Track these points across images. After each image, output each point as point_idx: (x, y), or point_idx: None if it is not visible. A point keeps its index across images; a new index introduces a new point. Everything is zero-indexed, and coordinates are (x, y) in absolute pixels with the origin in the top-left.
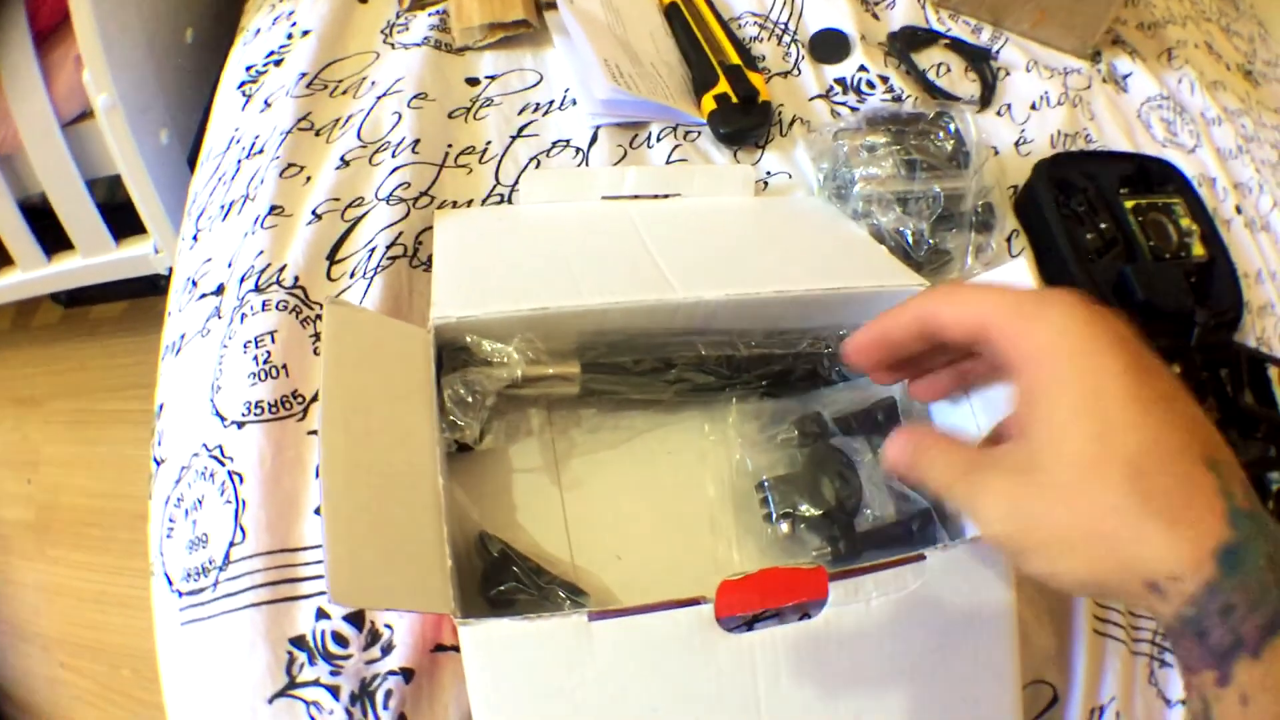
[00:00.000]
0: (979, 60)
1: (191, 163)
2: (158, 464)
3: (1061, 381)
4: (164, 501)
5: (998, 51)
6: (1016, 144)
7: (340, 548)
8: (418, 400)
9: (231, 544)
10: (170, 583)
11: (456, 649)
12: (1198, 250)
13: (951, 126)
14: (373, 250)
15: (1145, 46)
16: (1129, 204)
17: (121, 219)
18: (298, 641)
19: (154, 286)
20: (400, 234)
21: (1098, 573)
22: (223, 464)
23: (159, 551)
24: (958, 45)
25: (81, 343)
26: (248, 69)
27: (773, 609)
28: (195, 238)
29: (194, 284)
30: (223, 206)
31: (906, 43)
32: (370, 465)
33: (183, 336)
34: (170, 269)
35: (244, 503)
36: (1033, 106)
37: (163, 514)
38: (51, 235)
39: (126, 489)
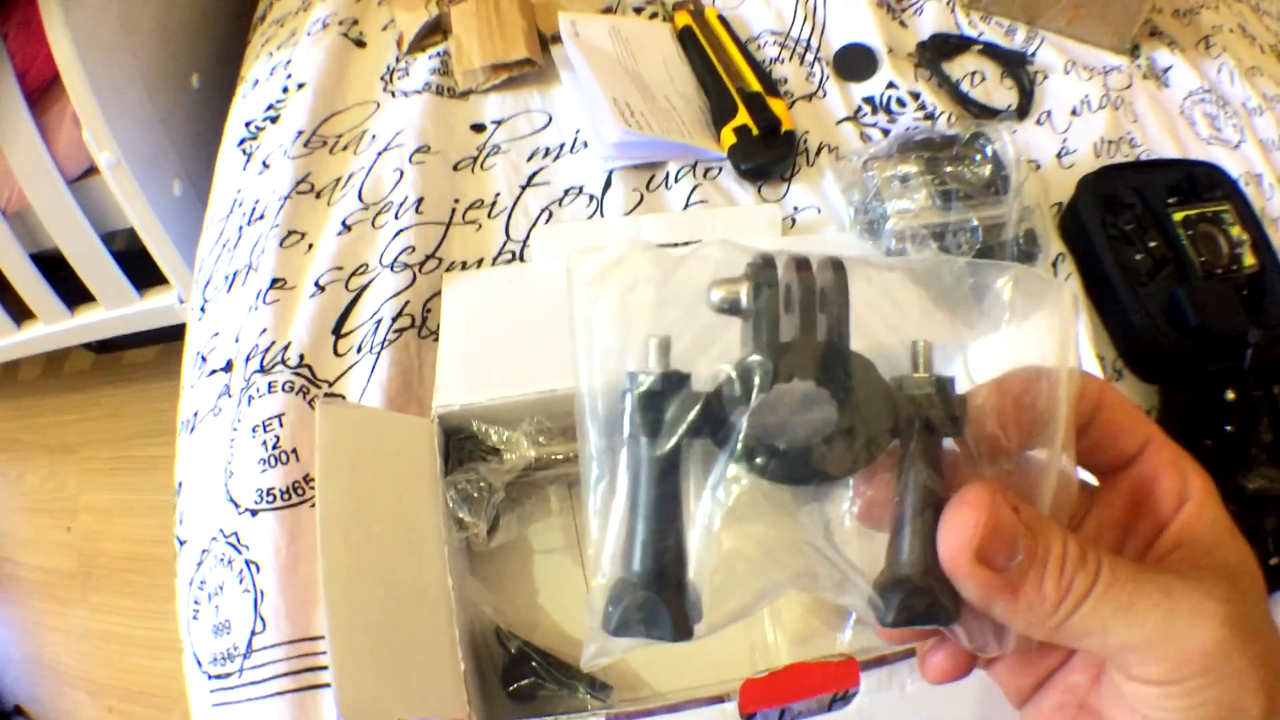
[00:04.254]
0: (1015, 65)
1: None
2: (180, 544)
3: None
4: (188, 583)
5: (1034, 54)
6: (1059, 155)
7: (346, 664)
8: (423, 496)
9: (253, 633)
10: (199, 663)
11: None
12: (1249, 260)
13: (988, 149)
14: (379, 322)
15: (1183, 35)
16: (1178, 216)
17: (146, 268)
18: None
19: (185, 330)
20: (407, 303)
21: None
22: (239, 552)
23: (187, 631)
24: (991, 50)
25: (115, 389)
26: (247, 124)
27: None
28: (203, 309)
29: (204, 359)
30: (227, 277)
31: (937, 52)
32: (375, 572)
33: (196, 414)
34: None
35: (262, 592)
36: (1073, 112)
37: (188, 595)
38: (75, 286)
39: (167, 534)
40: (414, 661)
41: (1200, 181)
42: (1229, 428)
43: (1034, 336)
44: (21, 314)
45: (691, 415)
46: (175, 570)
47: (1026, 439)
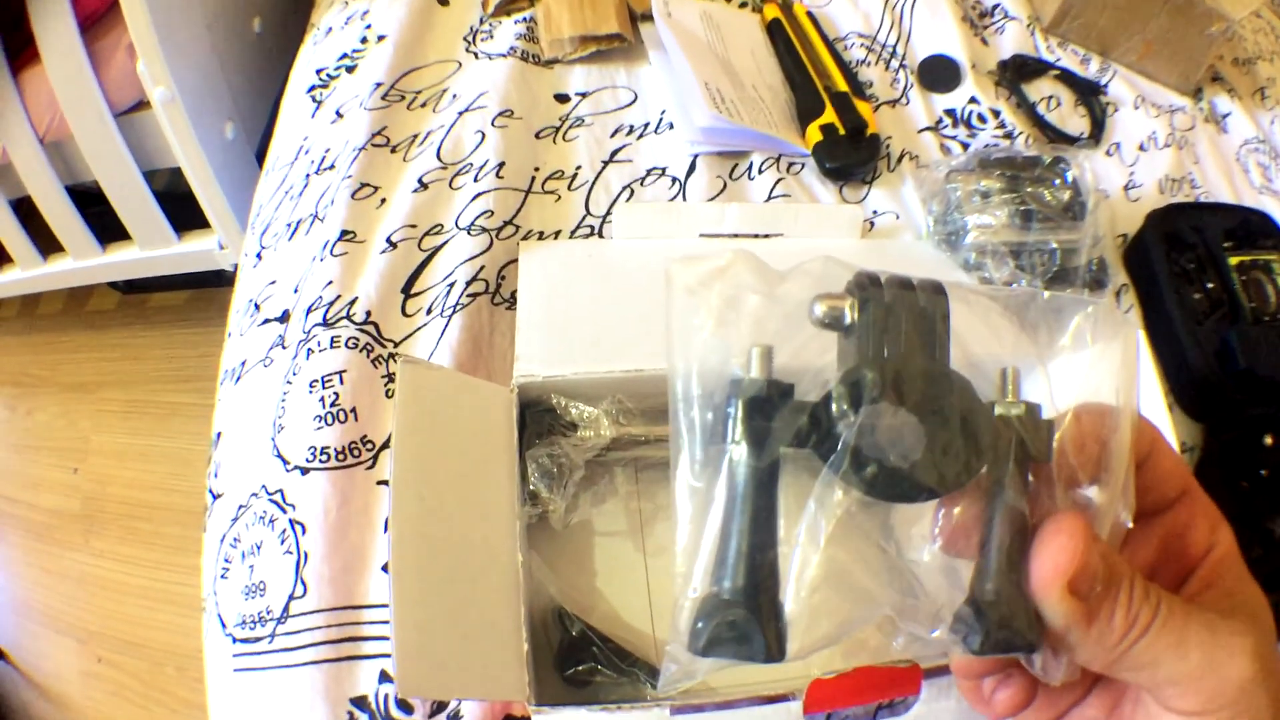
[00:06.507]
0: (1088, 94)
1: (261, 157)
2: (214, 497)
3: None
4: (219, 539)
5: (1106, 85)
6: (1126, 188)
7: (409, 636)
8: (498, 467)
9: (291, 597)
10: (224, 625)
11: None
12: None
13: (1068, 174)
14: (452, 285)
15: (1241, 84)
16: (1233, 260)
17: (186, 209)
18: (359, 702)
19: (219, 277)
20: (482, 268)
21: None
22: (284, 511)
23: (212, 590)
24: (1067, 77)
25: (139, 331)
26: (318, 72)
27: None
28: (259, 255)
29: (257, 307)
30: (289, 225)
31: (1017, 72)
32: (444, 542)
33: (243, 364)
34: (235, 265)
35: (306, 555)
36: (1140, 147)
37: (218, 552)
38: (110, 223)
39: (179, 484)
40: (476, 638)
41: (1255, 229)
42: (1264, 472)
43: (1103, 374)
44: (49, 248)
45: (800, 424)
46: (187, 521)
47: (1095, 473)
